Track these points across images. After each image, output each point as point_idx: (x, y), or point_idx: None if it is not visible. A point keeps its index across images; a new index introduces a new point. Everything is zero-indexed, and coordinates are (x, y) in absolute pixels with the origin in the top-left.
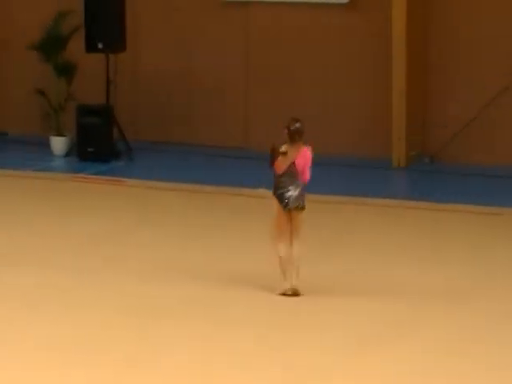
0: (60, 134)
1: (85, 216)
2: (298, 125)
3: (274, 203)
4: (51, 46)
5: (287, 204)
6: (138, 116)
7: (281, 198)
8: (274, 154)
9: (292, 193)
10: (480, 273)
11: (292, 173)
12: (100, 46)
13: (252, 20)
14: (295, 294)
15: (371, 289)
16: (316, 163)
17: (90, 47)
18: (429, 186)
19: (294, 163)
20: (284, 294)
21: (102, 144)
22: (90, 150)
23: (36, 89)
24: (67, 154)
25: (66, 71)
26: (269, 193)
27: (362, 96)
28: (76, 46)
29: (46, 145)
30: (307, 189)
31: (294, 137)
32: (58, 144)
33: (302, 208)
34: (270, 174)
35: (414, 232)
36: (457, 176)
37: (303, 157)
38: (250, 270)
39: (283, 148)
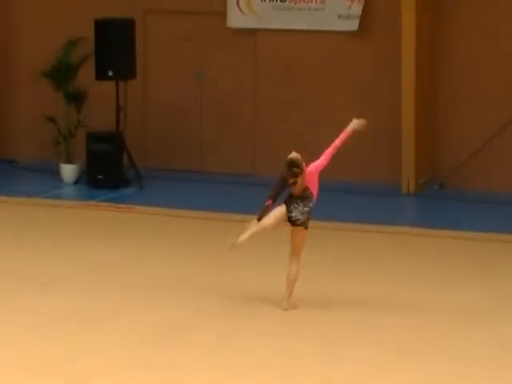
0: (70, 162)
1: (96, 243)
2: (294, 170)
3: (280, 207)
4: (61, 73)
5: (290, 217)
6: (148, 143)
7: (288, 208)
8: (280, 183)
9: (298, 212)
10: (489, 300)
11: (306, 197)
12: (110, 73)
13: (260, 48)
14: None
15: (381, 310)
16: (325, 189)
17: (100, 75)
18: (438, 212)
19: (306, 187)
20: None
21: (111, 171)
22: (99, 177)
23: (46, 116)
24: (77, 182)
25: (76, 98)
26: None
27: (371, 122)
28: (86, 74)
29: (55, 172)
30: (321, 214)
31: (290, 183)
32: (68, 171)
33: (303, 226)
34: (277, 200)
35: (424, 259)
36: (466, 202)
37: (310, 178)
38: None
39: (292, 180)
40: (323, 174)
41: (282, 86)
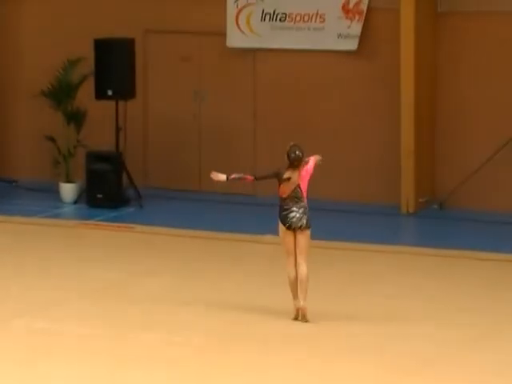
0: (69, 181)
1: (97, 262)
2: (297, 152)
3: (279, 226)
4: (61, 93)
5: (290, 225)
6: (147, 163)
7: (284, 219)
8: (278, 180)
9: (295, 213)
10: (489, 319)
11: (296, 195)
12: (110, 93)
13: (260, 67)
14: (304, 318)
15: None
16: (326, 209)
17: (100, 94)
18: (438, 232)
19: (298, 186)
20: (296, 319)
21: (111, 190)
22: (99, 196)
23: (46, 135)
24: (77, 201)
25: (76, 118)
26: (276, 239)
27: (371, 142)
28: (86, 93)
29: (55, 191)
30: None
31: (294, 163)
32: (68, 191)
33: (306, 227)
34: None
35: (423, 278)
36: (466, 222)
37: (306, 177)
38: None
39: (287, 174)
40: (323, 193)
41: (281, 105)
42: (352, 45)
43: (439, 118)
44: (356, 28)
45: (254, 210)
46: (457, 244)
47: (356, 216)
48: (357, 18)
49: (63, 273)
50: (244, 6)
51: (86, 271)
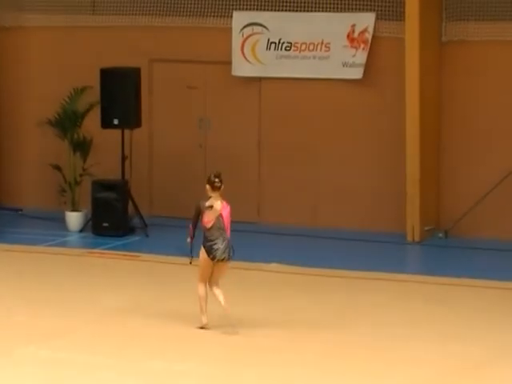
0: (75, 210)
1: (102, 290)
2: (216, 179)
3: (201, 253)
4: (67, 122)
5: (214, 256)
6: (153, 191)
7: (210, 250)
8: (196, 212)
9: (219, 245)
10: (493, 350)
11: (220, 226)
12: (116, 122)
13: (265, 96)
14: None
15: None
16: (330, 237)
17: (106, 123)
18: (443, 260)
19: (221, 215)
20: (203, 328)
21: (117, 219)
22: (105, 225)
23: (52, 164)
24: (82, 229)
25: (82, 147)
26: (281, 267)
27: (376, 171)
28: (92, 122)
29: (61, 220)
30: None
31: (214, 186)
32: (74, 219)
33: (229, 259)
34: (283, 248)
35: (428, 307)
36: (471, 251)
37: (226, 210)
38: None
39: (208, 203)
40: (328, 221)
41: (286, 134)
42: (357, 73)
43: (444, 146)
44: (361, 57)
45: (259, 237)
46: (461, 272)
47: (360, 244)
48: (362, 46)
49: (69, 301)
50: (249, 35)
51: (91, 299)
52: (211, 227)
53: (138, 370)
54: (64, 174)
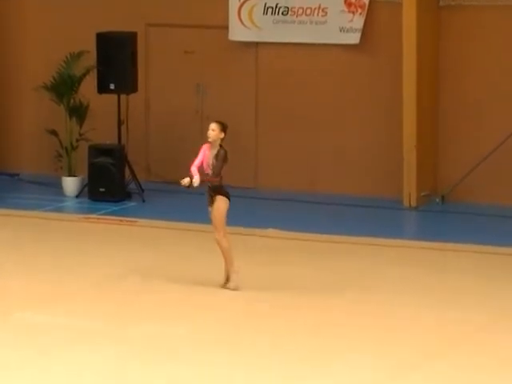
0: (72, 175)
1: (99, 256)
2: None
3: (226, 202)
4: (63, 87)
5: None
6: (150, 156)
7: (229, 195)
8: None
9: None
10: (491, 314)
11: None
12: (112, 86)
13: (262, 61)
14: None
15: (385, 320)
16: (327, 203)
17: (102, 88)
18: (440, 226)
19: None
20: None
21: (113, 184)
22: (101, 190)
23: (48, 129)
24: (79, 195)
25: (78, 112)
26: (278, 232)
27: (373, 136)
28: (88, 87)
29: (57, 185)
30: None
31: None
32: (70, 184)
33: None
34: (280, 214)
35: (425, 272)
36: (468, 216)
37: None
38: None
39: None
40: (325, 186)
41: (283, 99)
42: (354, 38)
43: (441, 111)
44: (358, 22)
45: (255, 203)
46: (458, 238)
47: (356, 210)
48: (359, 11)
49: (65, 266)
50: (246, 0)
51: (88, 264)
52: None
53: (134, 334)
54: (60, 139)
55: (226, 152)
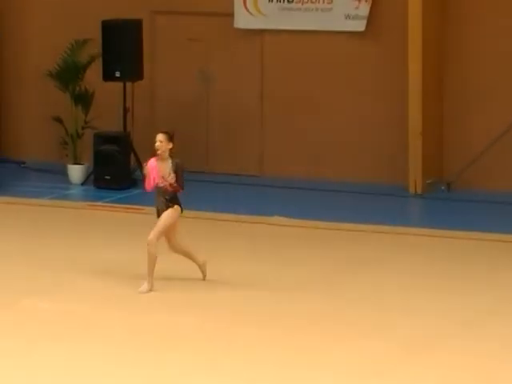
0: (77, 162)
1: (104, 244)
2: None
3: (179, 212)
4: (68, 74)
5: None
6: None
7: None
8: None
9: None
10: (495, 300)
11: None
12: (117, 74)
13: (267, 48)
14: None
15: (392, 310)
16: (332, 190)
17: (108, 76)
18: (445, 213)
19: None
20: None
21: (118, 172)
22: (106, 177)
23: (53, 117)
24: (84, 182)
25: (83, 99)
26: (283, 220)
27: (379, 124)
28: (93, 75)
29: (63, 173)
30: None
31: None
32: (75, 172)
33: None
34: (284, 201)
35: (430, 259)
36: (473, 203)
37: None
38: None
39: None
40: (330, 173)
41: (288, 87)
42: (360, 26)
43: (447, 99)
44: (364, 9)
45: (260, 190)
46: (464, 225)
47: (362, 196)
48: None
49: (70, 254)
50: None
51: (93, 252)
52: None
53: (139, 322)
54: (66, 127)
55: (182, 162)
